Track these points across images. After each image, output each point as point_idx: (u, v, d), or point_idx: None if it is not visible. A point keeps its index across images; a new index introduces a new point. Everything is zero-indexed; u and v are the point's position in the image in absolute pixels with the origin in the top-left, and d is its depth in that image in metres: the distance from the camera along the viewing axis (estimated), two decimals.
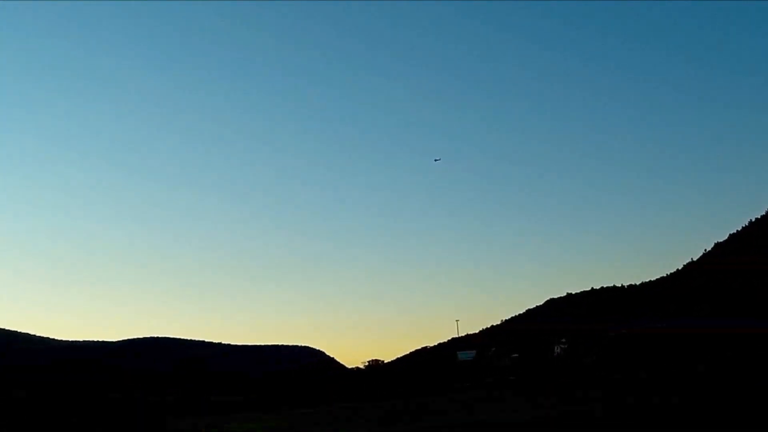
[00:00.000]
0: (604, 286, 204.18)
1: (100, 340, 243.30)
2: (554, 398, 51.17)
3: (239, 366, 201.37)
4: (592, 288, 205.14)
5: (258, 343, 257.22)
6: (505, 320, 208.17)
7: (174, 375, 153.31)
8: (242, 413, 68.42)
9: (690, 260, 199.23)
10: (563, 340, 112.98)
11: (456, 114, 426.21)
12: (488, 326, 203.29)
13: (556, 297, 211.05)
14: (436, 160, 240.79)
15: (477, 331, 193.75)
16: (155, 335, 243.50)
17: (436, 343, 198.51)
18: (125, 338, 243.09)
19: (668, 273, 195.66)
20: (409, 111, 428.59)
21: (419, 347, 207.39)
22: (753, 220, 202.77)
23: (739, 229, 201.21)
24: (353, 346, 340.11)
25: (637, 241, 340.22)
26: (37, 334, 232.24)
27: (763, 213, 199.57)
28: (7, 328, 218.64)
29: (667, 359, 72.12)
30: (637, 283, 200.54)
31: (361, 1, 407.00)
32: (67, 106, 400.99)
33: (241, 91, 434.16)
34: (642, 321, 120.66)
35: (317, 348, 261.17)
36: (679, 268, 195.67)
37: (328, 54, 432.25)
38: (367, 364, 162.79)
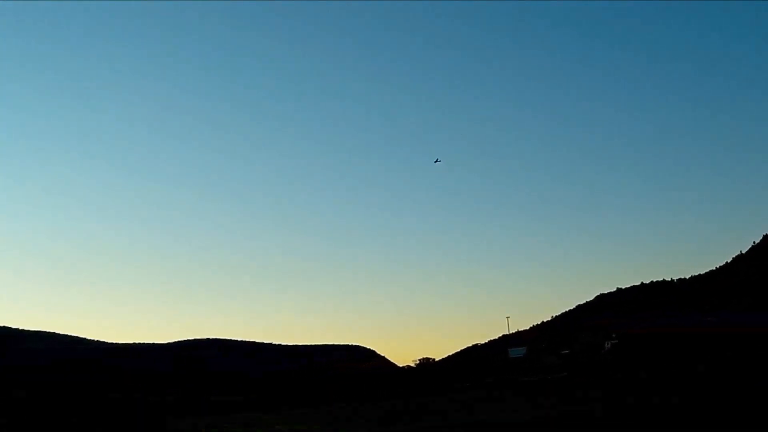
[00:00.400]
0: (654, 280, 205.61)
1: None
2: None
3: (291, 366, 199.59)
4: (642, 283, 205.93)
5: (310, 343, 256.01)
6: (556, 316, 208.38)
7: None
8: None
9: (739, 252, 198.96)
10: (614, 335, 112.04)
11: (503, 114, 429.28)
12: (539, 322, 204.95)
13: (605, 292, 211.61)
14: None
15: (528, 328, 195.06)
16: (218, 336, 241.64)
17: (487, 341, 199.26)
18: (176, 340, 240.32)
19: (717, 266, 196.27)
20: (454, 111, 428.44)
21: (470, 345, 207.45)
22: None
23: None
24: (405, 345, 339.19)
25: (687, 235, 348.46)
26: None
27: None
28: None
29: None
30: (687, 277, 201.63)
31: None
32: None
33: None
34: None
35: (369, 347, 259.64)
36: (728, 261, 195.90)
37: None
38: (418, 362, 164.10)
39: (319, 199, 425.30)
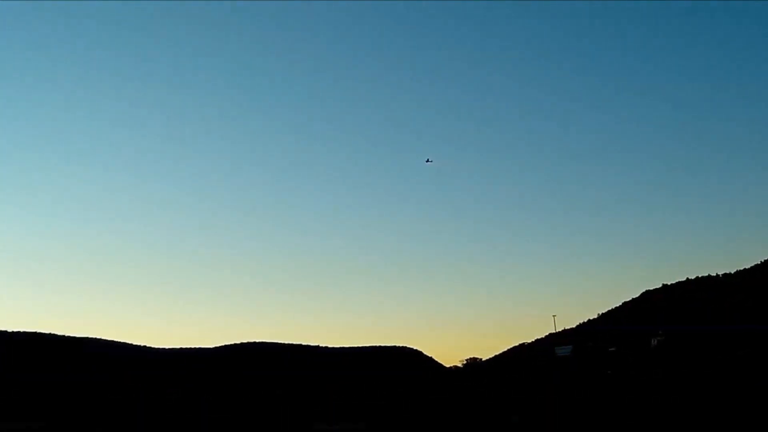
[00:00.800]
0: (699, 275, 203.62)
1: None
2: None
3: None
4: (687, 278, 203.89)
5: (358, 345, 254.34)
6: (602, 314, 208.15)
7: None
8: None
9: None
10: (660, 332, 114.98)
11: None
12: (585, 320, 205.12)
13: (651, 288, 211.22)
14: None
15: (574, 326, 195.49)
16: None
17: (533, 339, 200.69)
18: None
19: (762, 260, 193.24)
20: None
21: (517, 344, 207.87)
22: None
23: None
24: (451, 345, 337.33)
25: (731, 229, 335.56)
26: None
27: None
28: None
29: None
30: (732, 272, 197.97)
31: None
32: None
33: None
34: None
35: (415, 348, 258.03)
36: None
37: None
38: (465, 362, 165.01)
39: (363, 202, 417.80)
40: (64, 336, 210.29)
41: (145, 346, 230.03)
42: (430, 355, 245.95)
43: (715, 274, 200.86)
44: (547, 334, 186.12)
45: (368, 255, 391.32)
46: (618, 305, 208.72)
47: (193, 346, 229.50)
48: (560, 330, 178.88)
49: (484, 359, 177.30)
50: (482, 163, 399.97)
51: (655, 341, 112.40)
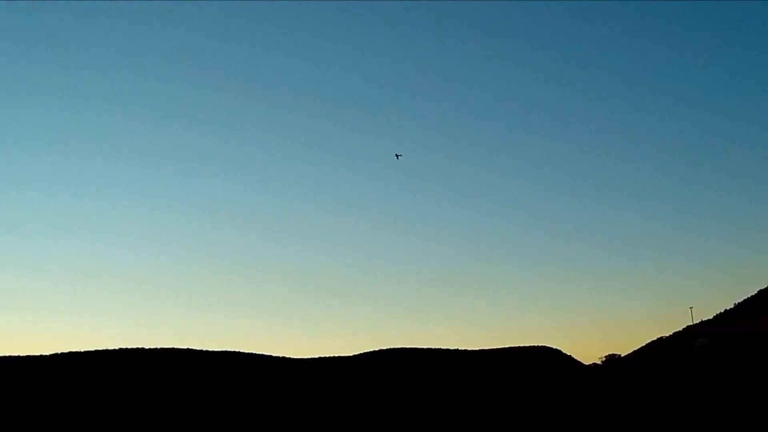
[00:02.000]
0: None
1: None
2: None
3: None
4: None
5: (496, 347, 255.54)
6: (738, 303, 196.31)
7: None
8: None
9: None
10: None
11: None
12: (722, 311, 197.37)
13: None
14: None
15: (711, 317, 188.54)
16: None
17: (671, 333, 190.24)
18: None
19: None
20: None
21: (655, 338, 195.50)
22: None
23: None
24: (590, 343, 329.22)
25: None
26: None
27: None
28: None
29: None
30: None
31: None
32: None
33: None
34: None
35: (554, 347, 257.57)
36: None
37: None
38: (604, 359, 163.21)
39: (504, 203, 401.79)
40: (202, 350, 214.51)
41: (284, 357, 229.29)
42: (569, 354, 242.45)
43: None
44: (684, 326, 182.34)
45: (505, 257, 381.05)
46: (753, 293, 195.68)
47: (331, 355, 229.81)
48: (697, 322, 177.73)
49: (623, 355, 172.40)
50: (622, 160, 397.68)
51: None
